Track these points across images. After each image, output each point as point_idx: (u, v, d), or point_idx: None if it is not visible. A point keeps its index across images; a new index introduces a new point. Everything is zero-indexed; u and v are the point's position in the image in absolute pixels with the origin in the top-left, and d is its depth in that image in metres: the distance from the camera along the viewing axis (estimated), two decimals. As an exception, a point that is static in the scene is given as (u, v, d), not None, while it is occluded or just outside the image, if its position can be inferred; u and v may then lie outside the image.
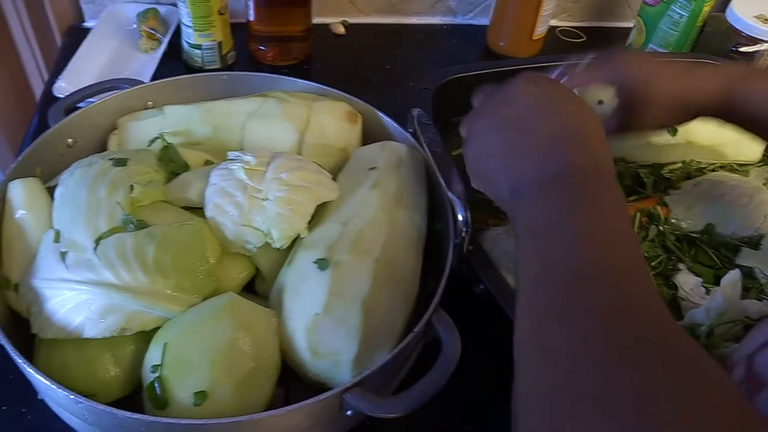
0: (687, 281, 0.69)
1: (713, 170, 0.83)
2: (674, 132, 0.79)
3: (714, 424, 0.30)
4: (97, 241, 0.52)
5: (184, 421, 0.45)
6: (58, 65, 0.95)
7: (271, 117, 0.67)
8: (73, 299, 0.50)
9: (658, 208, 0.77)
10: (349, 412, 0.49)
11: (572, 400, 0.33)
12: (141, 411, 0.47)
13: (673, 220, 0.76)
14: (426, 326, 0.53)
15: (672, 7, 1.00)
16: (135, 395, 0.52)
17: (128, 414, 0.44)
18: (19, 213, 0.57)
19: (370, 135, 0.71)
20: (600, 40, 1.16)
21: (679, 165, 0.83)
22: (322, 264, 0.54)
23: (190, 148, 0.66)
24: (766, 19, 0.97)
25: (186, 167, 0.63)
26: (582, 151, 0.47)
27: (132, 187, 0.55)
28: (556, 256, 0.42)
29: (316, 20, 1.03)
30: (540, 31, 1.05)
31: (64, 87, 0.87)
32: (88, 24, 1.04)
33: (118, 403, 0.47)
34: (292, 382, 0.54)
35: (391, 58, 1.07)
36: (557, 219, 0.43)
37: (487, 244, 0.70)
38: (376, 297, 0.53)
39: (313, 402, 0.46)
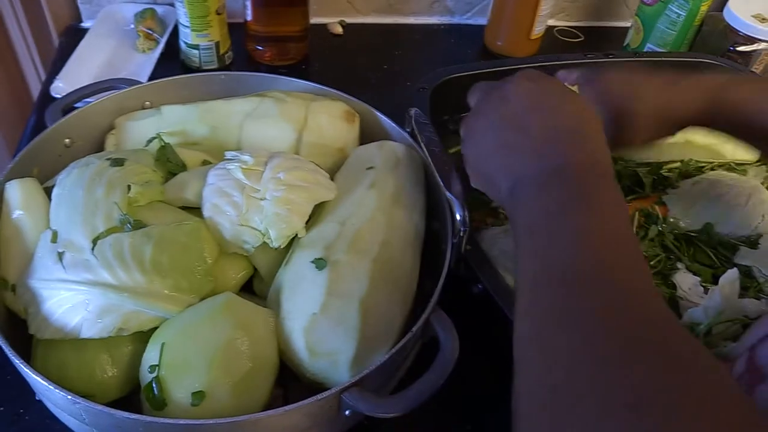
0: (685, 280, 0.69)
1: (712, 169, 0.83)
2: None
3: (714, 423, 0.30)
4: (95, 241, 0.52)
5: (182, 422, 0.45)
6: (55, 65, 0.94)
7: (269, 117, 0.67)
8: (71, 299, 0.50)
9: (656, 207, 0.77)
10: (347, 412, 0.49)
11: (572, 400, 0.33)
12: (139, 411, 0.46)
13: (671, 219, 0.76)
14: (424, 326, 0.52)
15: (669, 6, 1.00)
16: (133, 395, 0.52)
17: (126, 414, 0.44)
18: (16, 213, 0.56)
19: (367, 135, 0.71)
20: (598, 40, 1.17)
21: (678, 164, 0.83)
22: (319, 264, 0.54)
23: (187, 148, 0.66)
24: (763, 19, 0.97)
25: (183, 167, 0.63)
26: (580, 148, 0.47)
27: (129, 187, 0.55)
28: (554, 255, 0.41)
29: (313, 20, 1.03)
30: (538, 30, 1.05)
31: (61, 87, 0.87)
32: (85, 24, 1.04)
33: (116, 404, 0.47)
34: (291, 382, 0.54)
35: (388, 58, 1.07)
36: (555, 218, 0.43)
37: (485, 243, 0.70)
38: (373, 297, 0.53)
39: (311, 402, 0.46)
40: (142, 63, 0.95)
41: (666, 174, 0.82)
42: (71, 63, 0.92)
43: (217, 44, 0.94)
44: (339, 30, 1.10)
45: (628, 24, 1.11)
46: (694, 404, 0.31)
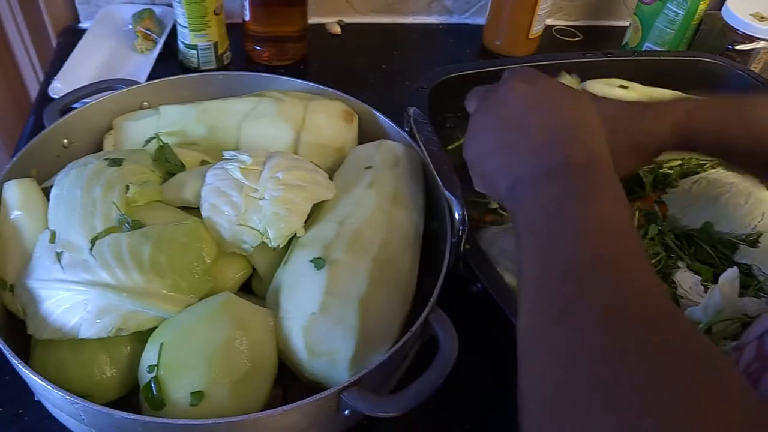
0: (685, 279, 0.69)
1: (712, 167, 0.83)
2: None
3: (715, 423, 0.30)
4: (93, 242, 0.52)
5: (180, 422, 0.45)
6: (53, 66, 0.94)
7: (267, 116, 0.67)
8: (69, 300, 0.50)
9: (656, 206, 0.77)
10: (346, 412, 0.49)
11: (573, 399, 0.33)
12: (138, 411, 0.46)
13: (671, 218, 0.76)
14: (423, 325, 0.52)
15: (668, 5, 1.00)
16: (132, 396, 0.52)
17: (125, 414, 0.44)
18: (15, 214, 0.56)
19: (366, 134, 0.71)
20: (596, 39, 1.17)
21: (679, 162, 0.83)
22: (318, 263, 0.54)
23: (186, 148, 0.66)
24: (761, 17, 0.97)
25: (182, 167, 0.63)
26: (579, 145, 0.47)
27: (127, 187, 0.55)
28: (555, 253, 0.41)
29: (312, 20, 1.03)
30: (536, 30, 1.05)
31: (59, 88, 0.87)
32: (83, 25, 1.03)
33: (115, 404, 0.46)
34: (290, 381, 0.54)
35: (387, 57, 1.06)
36: (555, 215, 0.43)
37: (484, 242, 0.70)
38: (373, 296, 0.53)
39: (310, 401, 0.46)
40: (140, 63, 0.95)
41: (667, 172, 0.82)
42: (69, 64, 0.92)
43: (216, 44, 0.94)
44: (337, 30, 1.10)
45: (627, 23, 1.11)
46: (695, 404, 0.30)
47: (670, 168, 0.83)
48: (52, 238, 0.53)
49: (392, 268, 0.56)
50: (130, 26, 0.99)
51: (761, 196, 0.76)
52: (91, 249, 0.51)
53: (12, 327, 0.53)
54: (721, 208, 0.76)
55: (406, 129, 0.68)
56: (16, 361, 0.47)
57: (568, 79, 0.84)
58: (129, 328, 0.50)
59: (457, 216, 0.56)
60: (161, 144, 0.65)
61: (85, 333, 0.50)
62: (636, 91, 0.88)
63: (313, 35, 1.04)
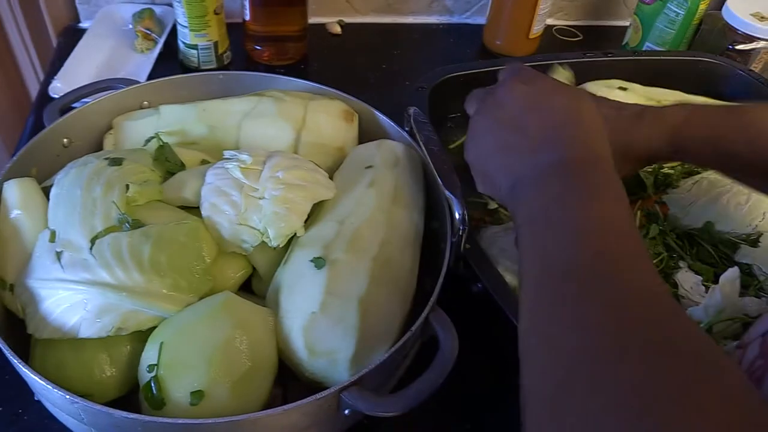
0: (687, 279, 0.69)
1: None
2: None
3: (715, 423, 0.30)
4: (93, 241, 0.52)
5: (180, 421, 0.45)
6: (53, 66, 0.94)
7: (267, 116, 0.67)
8: (69, 299, 0.50)
9: (657, 206, 0.77)
10: (346, 411, 0.49)
11: (573, 398, 0.33)
12: (138, 411, 0.46)
13: (672, 218, 0.76)
14: (423, 325, 0.52)
15: (668, 5, 1.00)
16: (132, 395, 0.52)
17: (124, 414, 0.44)
18: (15, 213, 0.56)
19: (366, 134, 0.71)
20: (596, 39, 1.17)
21: (679, 163, 0.83)
22: (318, 262, 0.54)
23: (186, 147, 0.66)
24: (762, 17, 0.97)
25: (182, 166, 0.63)
26: (577, 143, 0.46)
27: (127, 186, 0.55)
28: (554, 252, 0.41)
29: (312, 20, 1.03)
30: (536, 29, 1.05)
31: (59, 87, 0.87)
32: (83, 24, 1.04)
33: (115, 403, 0.46)
34: (290, 381, 0.54)
35: (387, 57, 1.06)
36: (554, 214, 0.43)
37: (484, 242, 0.70)
38: (373, 295, 0.53)
39: (310, 401, 0.46)
40: (140, 63, 0.95)
41: (667, 172, 0.82)
42: (69, 63, 0.92)
43: (216, 44, 0.94)
44: (338, 30, 1.10)
45: (627, 23, 1.11)
46: (696, 404, 0.30)
47: (671, 168, 0.83)
48: (52, 237, 0.53)
49: (392, 267, 0.56)
50: (131, 26, 0.99)
51: (761, 196, 0.76)
52: (91, 248, 0.51)
53: (12, 326, 0.52)
54: (721, 208, 0.76)
55: (407, 128, 0.68)
56: (15, 361, 0.47)
57: (561, 73, 0.84)
58: (129, 328, 0.50)
59: (457, 215, 0.56)
60: (161, 143, 0.65)
61: (85, 332, 0.50)
62: (636, 93, 0.88)
63: (313, 35, 1.04)
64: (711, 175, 0.80)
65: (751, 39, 0.97)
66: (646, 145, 0.59)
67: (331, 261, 0.54)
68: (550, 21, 1.16)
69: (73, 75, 0.90)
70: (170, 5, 0.95)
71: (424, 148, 0.63)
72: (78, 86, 0.70)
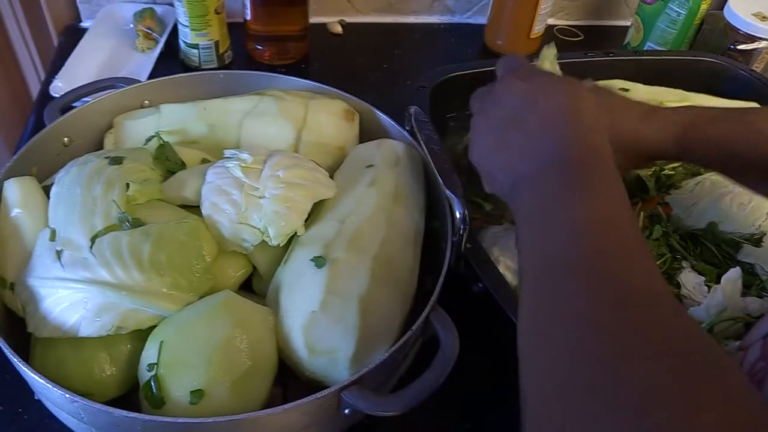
0: (689, 280, 0.69)
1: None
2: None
3: (716, 424, 0.29)
4: (93, 240, 0.52)
5: (180, 420, 0.45)
6: (54, 65, 0.94)
7: (268, 115, 0.67)
8: (69, 298, 0.50)
9: (660, 208, 0.77)
10: (346, 411, 0.49)
11: (573, 399, 0.33)
12: (137, 410, 0.46)
13: (675, 220, 0.76)
14: (424, 324, 0.52)
15: (670, 5, 1.00)
16: (131, 394, 0.52)
17: (124, 413, 0.44)
18: (15, 212, 0.56)
19: (367, 133, 0.71)
20: (598, 39, 1.16)
21: (680, 164, 0.83)
22: (319, 262, 0.53)
23: (186, 146, 0.66)
24: (763, 17, 0.97)
25: (182, 166, 0.63)
26: (574, 138, 0.46)
27: (128, 185, 0.55)
28: (554, 251, 0.41)
29: (313, 20, 1.03)
30: (537, 29, 1.05)
31: (60, 87, 0.87)
32: (84, 24, 1.04)
33: (115, 402, 0.46)
34: (290, 380, 0.54)
35: (388, 57, 1.06)
36: (552, 211, 0.43)
37: (485, 241, 0.69)
38: (373, 295, 0.53)
39: (310, 400, 0.46)
40: (141, 62, 0.95)
41: (668, 173, 0.82)
42: (70, 62, 0.92)
43: (217, 43, 0.94)
44: (339, 29, 1.10)
45: (628, 23, 1.10)
46: (697, 404, 0.30)
47: (672, 169, 0.83)
48: (52, 236, 0.53)
49: (393, 266, 0.56)
50: (132, 25, 0.99)
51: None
52: (91, 247, 0.51)
53: (12, 325, 0.52)
54: (724, 208, 0.76)
55: (407, 128, 0.68)
56: (15, 360, 0.47)
57: (548, 52, 0.79)
58: (129, 327, 0.50)
59: (458, 215, 0.56)
60: (162, 142, 0.65)
61: (85, 331, 0.50)
62: (638, 92, 0.88)
63: (314, 35, 1.04)
64: (713, 176, 0.80)
65: (753, 39, 0.97)
66: (653, 144, 0.59)
67: (331, 260, 0.54)
68: (551, 21, 1.15)
69: (74, 74, 0.90)
70: (171, 5, 0.95)
71: (424, 148, 0.63)
72: (79, 85, 0.70)
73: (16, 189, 0.57)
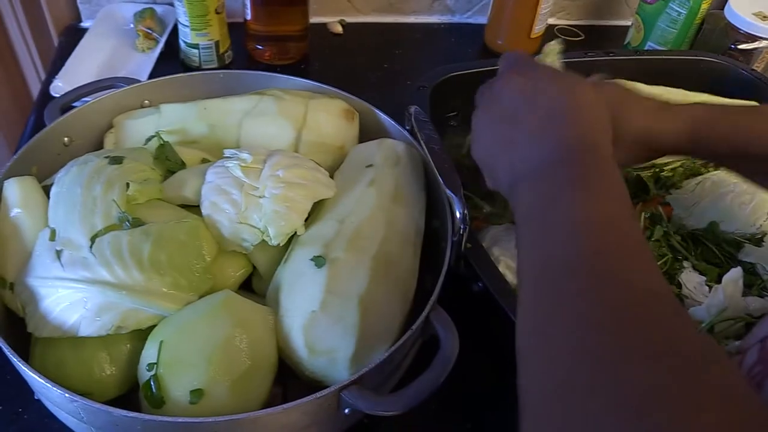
0: (690, 279, 0.69)
1: (715, 168, 0.83)
2: None
3: (716, 424, 0.29)
4: (93, 239, 0.52)
5: (180, 420, 0.45)
6: (54, 65, 0.94)
7: (268, 115, 0.67)
8: (69, 297, 0.50)
9: (660, 208, 0.77)
10: (346, 410, 0.49)
11: (572, 399, 0.33)
12: (137, 409, 0.46)
13: (676, 219, 0.76)
14: (424, 324, 0.52)
15: (670, 4, 1.00)
16: (131, 394, 0.52)
17: (124, 412, 0.44)
18: (15, 211, 0.56)
19: (367, 133, 0.71)
20: (598, 39, 1.16)
21: (678, 164, 0.83)
22: (318, 261, 0.53)
23: (186, 146, 0.66)
24: (764, 17, 0.96)
25: (182, 165, 0.63)
26: (573, 136, 0.46)
27: (128, 185, 0.55)
28: (552, 250, 0.41)
29: (313, 19, 1.03)
30: (538, 29, 1.04)
31: (60, 87, 0.87)
32: (84, 24, 1.04)
33: (115, 402, 0.46)
34: (290, 380, 0.54)
35: (389, 57, 1.06)
36: (550, 210, 0.42)
37: (486, 241, 0.69)
38: (373, 294, 0.53)
39: (310, 400, 0.46)
40: (141, 62, 0.95)
41: (667, 175, 0.82)
42: (71, 62, 0.92)
43: (217, 43, 0.94)
44: (339, 29, 1.10)
45: (629, 22, 1.10)
46: (696, 405, 0.30)
47: (671, 170, 0.82)
48: (52, 235, 0.53)
49: (393, 266, 0.56)
50: (132, 25, 0.99)
51: (765, 196, 0.76)
52: (90, 247, 0.51)
53: (12, 325, 0.52)
54: (725, 207, 0.76)
55: (407, 127, 0.68)
56: (15, 360, 0.47)
57: (551, 47, 0.77)
58: (128, 326, 0.50)
59: (458, 214, 0.56)
60: (162, 142, 0.65)
61: (85, 331, 0.50)
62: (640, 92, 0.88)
63: (314, 34, 1.04)
64: (714, 175, 0.80)
65: (754, 38, 0.97)
66: (666, 137, 0.58)
67: (331, 260, 0.54)
68: (551, 21, 1.15)
69: (75, 74, 0.90)
70: (171, 5, 0.95)
71: (424, 147, 0.63)
72: (79, 85, 0.70)
73: (16, 189, 0.57)
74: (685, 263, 0.71)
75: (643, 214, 0.76)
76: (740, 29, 0.97)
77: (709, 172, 0.82)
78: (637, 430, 0.30)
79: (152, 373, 0.48)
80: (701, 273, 0.70)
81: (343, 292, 0.52)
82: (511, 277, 0.63)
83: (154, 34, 0.97)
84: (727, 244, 0.73)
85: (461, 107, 0.61)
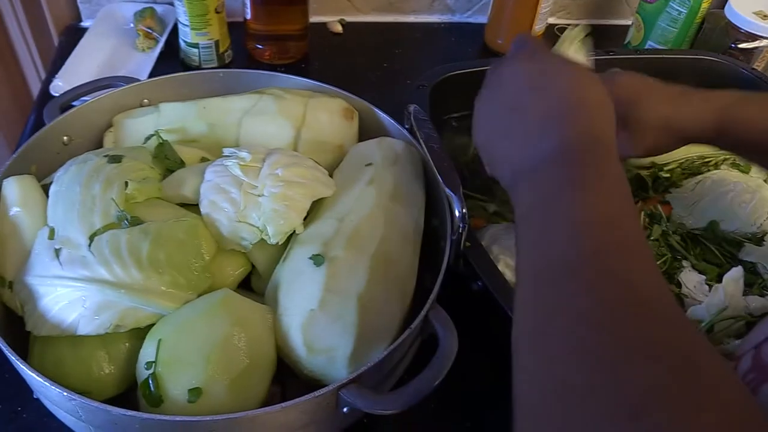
0: (690, 279, 0.69)
1: (716, 166, 0.83)
2: None
3: (716, 425, 0.29)
4: (92, 238, 0.52)
5: (178, 418, 0.45)
6: (55, 64, 0.94)
7: (267, 114, 0.67)
8: (67, 296, 0.50)
9: (660, 207, 0.77)
10: (345, 409, 0.49)
11: (572, 401, 0.33)
12: (136, 408, 0.46)
13: (676, 218, 0.76)
14: (423, 322, 0.52)
15: (671, 3, 1.00)
16: (130, 392, 0.52)
17: (122, 411, 0.44)
18: (14, 210, 0.56)
19: (366, 132, 0.71)
20: (598, 38, 1.15)
21: (676, 165, 0.83)
22: (317, 260, 0.53)
23: (186, 145, 0.66)
24: (764, 16, 0.96)
25: (181, 164, 0.63)
26: (574, 132, 0.44)
27: (127, 183, 0.55)
28: (551, 251, 0.40)
29: (313, 19, 1.03)
30: (538, 28, 1.04)
31: (60, 86, 0.87)
32: (85, 23, 1.04)
33: (113, 401, 0.46)
34: (288, 378, 0.54)
35: (388, 56, 1.06)
36: (550, 208, 0.42)
37: (485, 240, 0.69)
38: (372, 293, 0.52)
39: (308, 399, 0.46)
40: (141, 62, 0.95)
41: (666, 175, 0.82)
42: (71, 62, 0.92)
43: (217, 43, 0.94)
44: (339, 29, 1.10)
45: (629, 22, 1.10)
46: (696, 404, 0.30)
47: (669, 171, 0.82)
48: (51, 234, 0.53)
49: (392, 265, 0.56)
50: (132, 25, 0.99)
51: (766, 194, 0.76)
52: (89, 245, 0.51)
53: (11, 324, 0.52)
54: (726, 206, 0.75)
55: (407, 126, 0.67)
56: (14, 358, 0.47)
57: (572, 34, 0.71)
58: (127, 325, 0.50)
59: (457, 213, 0.56)
60: (161, 141, 0.65)
61: (84, 329, 0.50)
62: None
63: (314, 34, 1.04)
64: (714, 174, 0.80)
65: (754, 37, 0.97)
66: (690, 124, 0.57)
67: (330, 258, 0.53)
68: (551, 20, 1.15)
69: (75, 73, 0.90)
70: (171, 4, 0.95)
71: (424, 146, 0.63)
72: (78, 84, 0.71)
73: (15, 187, 0.57)
74: (684, 263, 0.71)
75: (642, 212, 0.76)
76: (740, 28, 0.97)
77: (709, 171, 0.82)
78: (637, 430, 0.30)
79: (150, 371, 0.48)
80: (700, 272, 0.70)
81: (342, 291, 0.52)
82: (510, 276, 0.63)
83: (154, 33, 0.98)
84: (728, 244, 0.73)
85: (461, 106, 0.61)
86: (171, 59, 0.96)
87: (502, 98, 0.49)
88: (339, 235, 0.55)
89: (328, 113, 0.68)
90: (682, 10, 0.99)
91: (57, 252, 0.52)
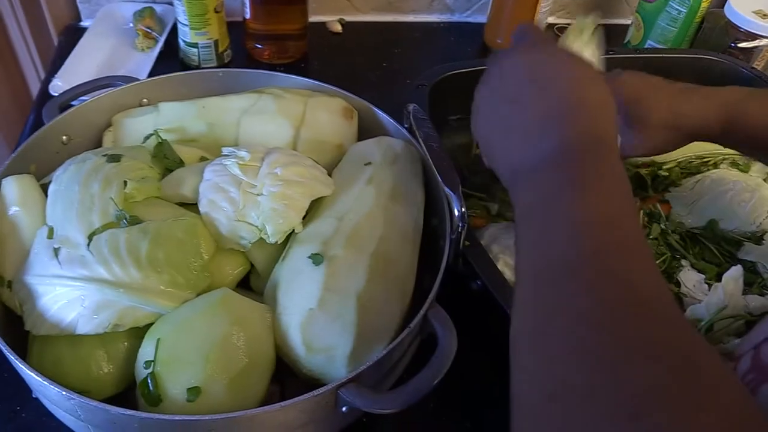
0: (689, 278, 0.69)
1: (715, 165, 0.83)
2: None
3: (716, 426, 0.29)
4: (90, 237, 0.52)
5: (177, 417, 0.45)
6: (54, 64, 0.94)
7: (267, 113, 0.67)
8: (66, 295, 0.50)
9: (658, 206, 0.77)
10: (344, 408, 0.49)
11: (571, 402, 0.33)
12: (134, 407, 0.46)
13: (675, 218, 0.76)
14: (422, 322, 0.52)
15: (670, 3, 1.00)
16: (129, 392, 0.52)
17: (121, 410, 0.44)
18: (13, 210, 0.56)
19: (366, 131, 0.71)
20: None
21: (674, 165, 0.83)
22: (316, 259, 0.53)
23: (185, 144, 0.66)
24: (764, 15, 0.96)
25: (180, 163, 0.63)
26: (574, 131, 0.44)
27: (125, 183, 0.55)
28: (551, 250, 0.40)
29: (312, 18, 1.03)
30: (538, 28, 1.04)
31: (60, 86, 0.87)
32: (84, 23, 1.04)
33: (112, 400, 0.46)
34: (287, 377, 0.53)
35: (388, 56, 1.06)
36: (550, 208, 0.41)
37: (485, 239, 0.69)
38: (371, 292, 0.52)
39: (307, 398, 0.46)
40: (141, 61, 0.95)
41: (665, 174, 0.82)
42: (70, 62, 0.92)
43: (216, 42, 0.94)
44: (338, 28, 1.10)
45: (629, 21, 1.10)
46: (696, 404, 0.30)
47: (667, 170, 0.82)
48: (50, 233, 0.53)
49: (391, 264, 0.56)
50: (131, 24, 0.99)
51: (765, 193, 0.76)
52: (88, 245, 0.51)
53: (10, 323, 0.52)
54: (725, 205, 0.75)
55: (406, 125, 0.67)
56: (13, 358, 0.47)
57: (583, 23, 0.67)
58: (126, 324, 0.50)
59: (456, 212, 0.56)
60: (160, 140, 0.65)
61: (83, 329, 0.50)
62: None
63: (313, 33, 1.04)
64: (714, 173, 0.80)
65: (754, 37, 0.97)
66: (696, 121, 0.56)
67: (329, 257, 0.53)
68: (551, 19, 1.15)
69: (74, 73, 0.90)
70: (171, 4, 0.95)
71: (423, 145, 0.63)
72: (78, 84, 0.70)
73: (14, 187, 0.57)
74: (684, 262, 0.71)
75: (641, 211, 0.76)
76: (740, 27, 0.97)
77: (708, 170, 0.82)
78: (637, 430, 0.30)
79: (149, 370, 0.48)
80: (700, 272, 0.70)
81: (341, 290, 0.52)
82: (509, 275, 0.63)
83: (154, 33, 0.97)
84: (727, 243, 0.73)
85: (460, 106, 0.60)
86: (170, 59, 0.96)
87: (502, 90, 0.48)
88: (338, 234, 0.55)
89: (328, 112, 0.68)
90: (681, 9, 0.99)
91: (56, 251, 0.52)
